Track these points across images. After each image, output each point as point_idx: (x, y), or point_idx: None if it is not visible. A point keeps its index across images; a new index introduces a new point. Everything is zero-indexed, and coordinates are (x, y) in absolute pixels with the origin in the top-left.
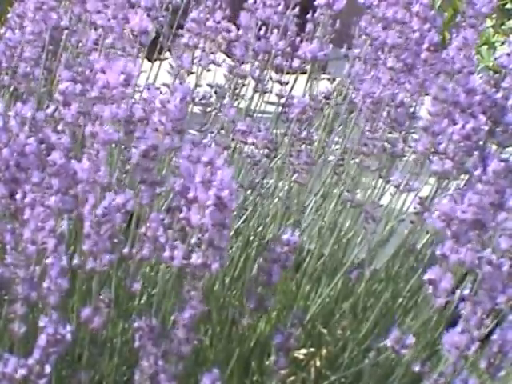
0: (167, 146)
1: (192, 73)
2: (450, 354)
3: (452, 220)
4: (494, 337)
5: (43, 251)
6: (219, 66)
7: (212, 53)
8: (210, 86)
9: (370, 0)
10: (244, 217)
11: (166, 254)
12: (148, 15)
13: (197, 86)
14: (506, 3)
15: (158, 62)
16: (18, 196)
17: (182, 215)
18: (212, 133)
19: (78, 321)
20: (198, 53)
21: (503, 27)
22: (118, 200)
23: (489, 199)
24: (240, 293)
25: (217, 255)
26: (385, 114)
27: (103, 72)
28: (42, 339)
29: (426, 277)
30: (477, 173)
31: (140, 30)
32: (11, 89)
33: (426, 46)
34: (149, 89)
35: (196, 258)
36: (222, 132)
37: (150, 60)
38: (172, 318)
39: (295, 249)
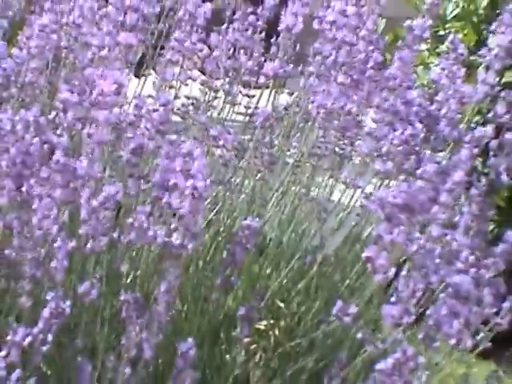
0: (153, 145)
1: (172, 87)
2: (387, 323)
3: (385, 204)
4: (429, 312)
5: (48, 236)
6: (194, 80)
7: (189, 69)
8: (188, 97)
9: (323, 25)
10: (215, 210)
11: (150, 233)
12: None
13: (176, 97)
14: (438, 30)
15: (143, 78)
16: (24, 188)
17: (164, 200)
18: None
19: (74, 296)
20: (177, 69)
21: (437, 50)
22: (110, 190)
23: (424, 194)
24: (211, 274)
25: (191, 237)
26: (336, 122)
27: (99, 82)
28: (46, 312)
29: (363, 254)
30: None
31: (126, 45)
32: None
33: (371, 64)
34: (137, 97)
35: (175, 239)
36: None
37: (137, 76)
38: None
39: (255, 233)
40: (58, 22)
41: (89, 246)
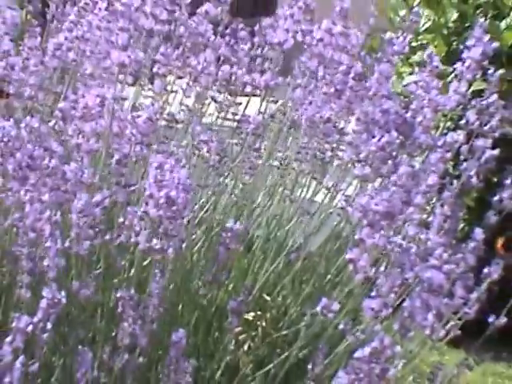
0: (138, 154)
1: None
2: (367, 315)
3: (367, 211)
4: (405, 304)
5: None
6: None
7: (194, 88)
8: (187, 107)
9: (309, 40)
10: (205, 209)
11: (133, 239)
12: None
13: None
14: (411, 42)
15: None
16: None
17: (142, 209)
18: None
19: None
20: (171, 79)
21: (409, 60)
22: (97, 197)
23: (399, 197)
24: (203, 269)
25: (171, 242)
26: (318, 129)
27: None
28: (43, 302)
29: (347, 256)
30: (392, 177)
31: (118, 63)
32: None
33: (352, 75)
34: (120, 107)
35: (155, 244)
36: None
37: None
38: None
39: (239, 235)
40: (67, 38)
41: (73, 250)
